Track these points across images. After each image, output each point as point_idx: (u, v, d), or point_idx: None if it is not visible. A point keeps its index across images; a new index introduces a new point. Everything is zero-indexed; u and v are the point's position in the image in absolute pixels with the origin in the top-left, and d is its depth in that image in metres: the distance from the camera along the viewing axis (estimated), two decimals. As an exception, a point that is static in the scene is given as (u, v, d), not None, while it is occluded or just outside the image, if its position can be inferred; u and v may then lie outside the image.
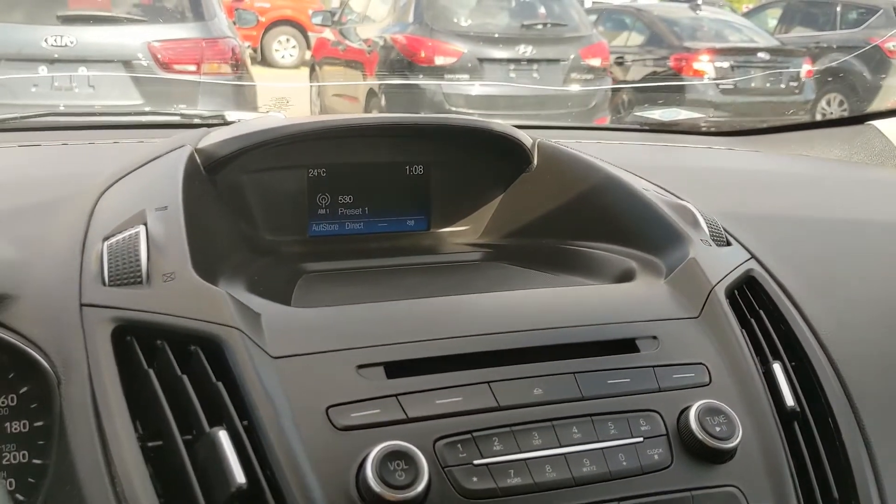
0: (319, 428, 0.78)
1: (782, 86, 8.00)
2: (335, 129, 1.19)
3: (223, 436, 0.75)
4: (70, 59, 4.81)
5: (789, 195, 1.43)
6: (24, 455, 0.81)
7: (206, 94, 4.80)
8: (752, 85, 7.85)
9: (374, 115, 1.40)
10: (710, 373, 0.90)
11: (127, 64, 4.97)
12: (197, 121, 1.76)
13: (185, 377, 0.79)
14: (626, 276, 1.06)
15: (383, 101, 6.60)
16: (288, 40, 11.10)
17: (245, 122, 1.25)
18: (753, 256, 1.09)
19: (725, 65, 7.78)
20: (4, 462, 0.81)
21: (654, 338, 0.92)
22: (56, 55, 4.78)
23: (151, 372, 0.80)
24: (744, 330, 0.97)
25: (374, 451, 0.75)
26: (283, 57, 11.03)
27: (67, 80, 4.75)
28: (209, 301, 0.84)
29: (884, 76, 7.93)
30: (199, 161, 1.10)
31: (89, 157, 1.38)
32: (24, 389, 0.82)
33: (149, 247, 0.89)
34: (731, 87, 7.65)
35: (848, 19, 8.90)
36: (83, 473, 0.75)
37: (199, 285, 0.85)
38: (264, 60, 10.86)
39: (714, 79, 7.61)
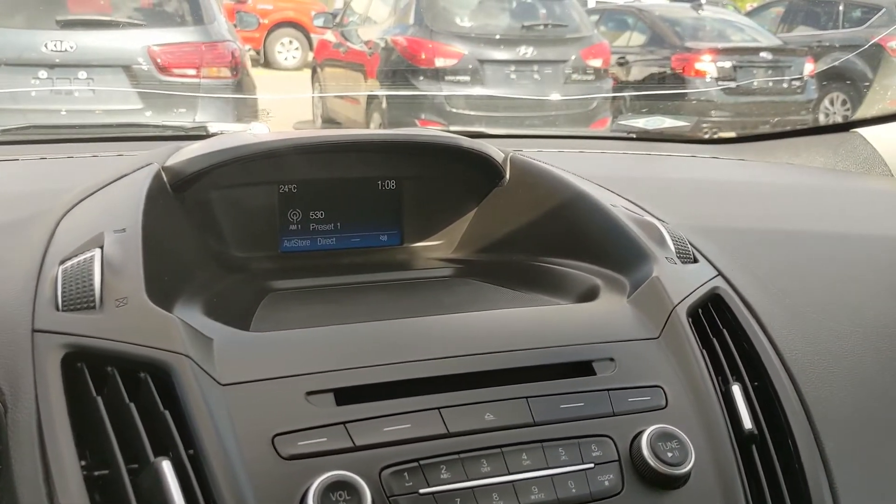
0: (265, 457, 0.77)
1: (785, 85, 7.96)
2: (304, 147, 1.19)
3: (166, 466, 0.75)
4: (70, 63, 4.81)
5: (766, 206, 1.42)
6: None
7: (206, 97, 4.80)
8: (755, 85, 7.81)
9: (345, 132, 1.39)
10: (666, 395, 0.90)
11: (127, 68, 4.98)
12: (179, 133, 1.76)
13: (132, 405, 0.79)
14: (589, 294, 1.06)
15: (384, 103, 6.60)
16: (290, 42, 11.10)
17: (217, 138, 1.25)
18: (720, 273, 1.08)
19: (728, 65, 7.75)
20: None
21: (612, 360, 0.92)
22: (56, 60, 4.79)
23: (99, 399, 0.80)
24: (704, 350, 0.96)
25: (317, 482, 0.75)
26: (285, 59, 11.03)
27: (67, 85, 4.76)
28: (160, 327, 0.83)
29: (887, 75, 7.88)
30: (165, 179, 1.10)
31: (63, 173, 1.38)
32: None
33: (103, 271, 0.89)
34: (734, 87, 7.62)
35: (851, 18, 8.86)
36: (25, 502, 0.75)
37: (151, 311, 0.85)
38: (267, 62, 10.87)
39: (716, 79, 7.58)
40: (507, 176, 1.25)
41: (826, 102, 8.04)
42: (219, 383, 0.81)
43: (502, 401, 0.85)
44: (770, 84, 7.91)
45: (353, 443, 0.79)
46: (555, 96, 6.64)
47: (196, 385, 0.79)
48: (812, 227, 1.36)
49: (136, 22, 5.41)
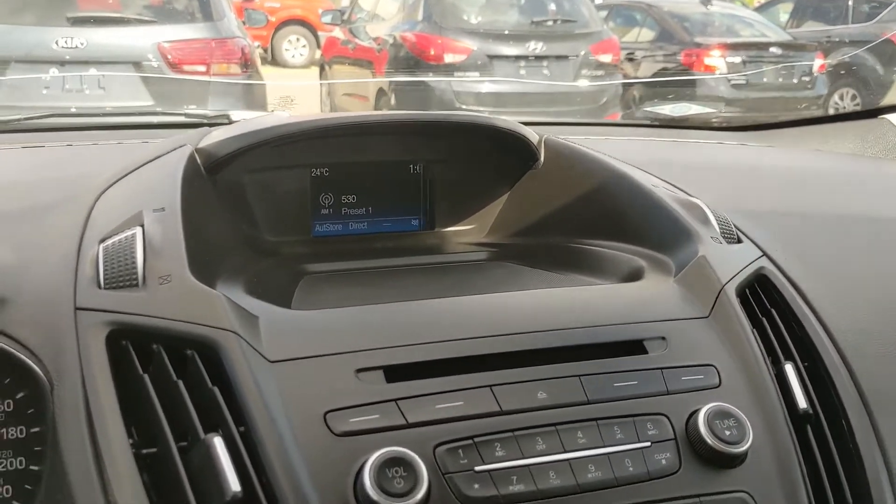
0: (317, 434, 0.76)
1: (794, 81, 7.94)
2: (336, 128, 1.18)
3: (218, 442, 0.73)
4: (80, 60, 4.81)
5: (803, 191, 1.40)
6: (20, 461, 0.79)
7: (216, 94, 4.80)
8: (764, 80, 7.79)
9: (377, 113, 1.38)
10: (719, 375, 0.88)
11: (137, 65, 4.98)
12: (202, 120, 1.75)
13: (180, 382, 0.77)
14: (634, 276, 1.04)
15: (393, 100, 6.59)
16: (298, 40, 11.10)
17: (246, 121, 1.24)
18: (765, 254, 1.06)
19: (737, 60, 7.74)
20: (1, 469, 0.79)
21: (663, 338, 0.90)
22: (67, 57, 4.80)
23: (146, 377, 0.78)
24: (755, 330, 0.94)
25: (372, 458, 0.73)
26: (293, 56, 11.04)
27: (78, 82, 4.76)
28: (206, 304, 0.82)
29: (896, 70, 7.86)
30: (199, 161, 1.09)
31: (92, 158, 1.37)
32: (21, 395, 0.81)
33: (145, 249, 0.87)
34: (743, 82, 7.60)
35: (860, 13, 8.83)
36: (75, 481, 0.73)
37: (196, 288, 0.83)
38: (275, 60, 10.87)
39: (725, 74, 7.56)
40: (542, 158, 1.23)
41: (836, 97, 8.02)
42: (267, 360, 0.79)
43: (555, 379, 0.83)
44: (780, 79, 7.89)
45: (406, 420, 0.77)
46: (564, 86, 6.62)
47: (245, 362, 0.78)
48: (849, 210, 1.34)
49: (146, 19, 5.41)
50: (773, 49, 8.00)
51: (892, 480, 0.91)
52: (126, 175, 1.08)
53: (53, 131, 1.61)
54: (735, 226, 1.11)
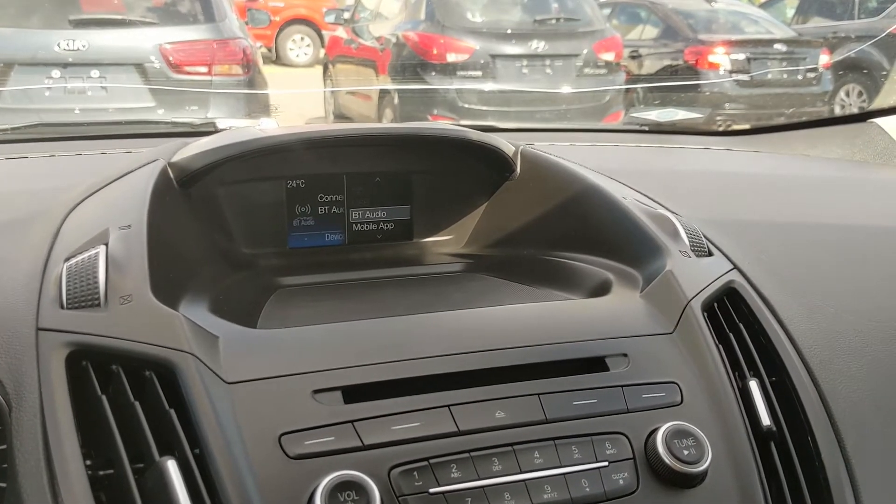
0: (271, 456, 0.76)
1: (800, 77, 7.88)
2: (310, 141, 1.18)
3: (171, 465, 0.73)
4: (83, 62, 4.82)
5: (782, 199, 1.40)
6: None
7: (218, 95, 4.80)
8: (769, 77, 7.75)
9: (351, 126, 1.37)
10: (682, 392, 0.88)
11: (139, 66, 4.98)
12: (188, 129, 1.75)
13: (137, 404, 0.78)
14: (602, 289, 1.04)
15: (396, 99, 6.58)
16: (302, 39, 11.09)
17: (224, 134, 1.24)
18: (736, 267, 1.06)
19: (742, 57, 7.69)
20: None
21: (625, 355, 0.90)
22: (69, 59, 4.80)
23: (104, 398, 0.78)
24: (721, 345, 0.94)
25: (324, 482, 0.73)
26: (297, 56, 11.03)
27: (80, 84, 4.77)
28: (165, 325, 0.82)
29: (903, 66, 7.79)
30: (171, 175, 1.09)
31: (72, 170, 1.37)
32: None
33: (107, 268, 0.87)
34: (748, 79, 7.56)
35: (866, 8, 8.77)
36: (29, 503, 0.74)
37: (155, 308, 0.84)
38: (279, 59, 10.87)
39: (730, 71, 7.52)
40: (518, 170, 1.23)
41: (842, 94, 7.96)
42: (224, 381, 0.80)
43: (513, 398, 0.83)
44: (785, 76, 7.84)
45: (362, 442, 0.78)
46: (567, 88, 6.60)
47: (201, 383, 0.78)
48: (829, 220, 1.34)
49: (148, 20, 5.42)
50: (777, 46, 7.95)
51: (858, 498, 0.90)
52: (98, 190, 1.09)
53: (38, 142, 1.61)
54: (707, 238, 1.10)
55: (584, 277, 1.09)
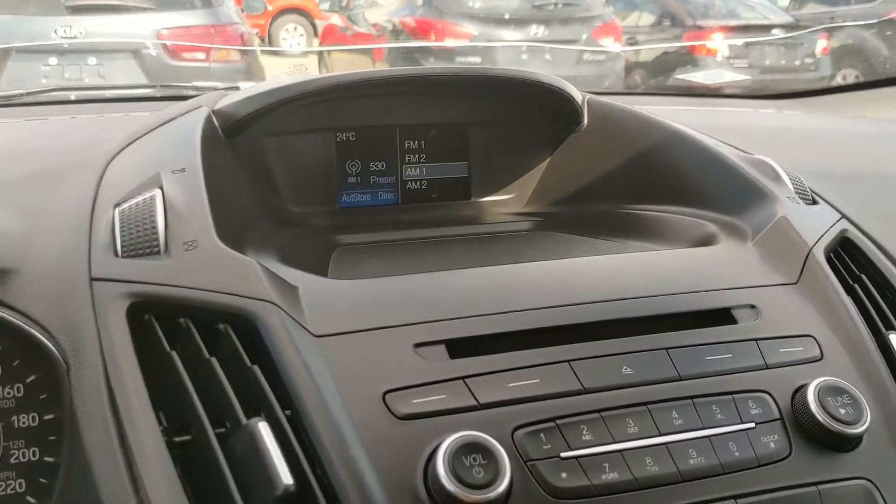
0: (376, 417, 0.66)
1: (797, 63, 7.84)
2: (364, 82, 1.07)
3: (263, 428, 0.63)
4: (80, 49, 4.73)
5: (867, 154, 1.31)
6: (34, 452, 0.70)
7: (216, 80, 4.72)
8: (767, 63, 7.69)
9: (410, 67, 1.27)
10: (820, 346, 0.78)
11: (136, 52, 4.90)
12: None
13: (213, 360, 0.68)
14: (705, 241, 0.94)
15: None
16: (295, 28, 10.99)
17: (267, 81, 1.14)
18: (844, 216, 0.97)
19: (739, 43, 7.63)
20: (13, 461, 0.70)
21: (752, 307, 0.80)
22: (66, 45, 4.72)
23: (175, 354, 0.68)
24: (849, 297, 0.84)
25: (446, 443, 0.63)
26: (290, 45, 10.92)
27: (77, 71, 4.67)
28: (239, 272, 0.72)
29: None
30: (216, 123, 0.99)
31: (98, 127, 1.27)
32: (32, 378, 0.71)
33: (166, 212, 0.78)
34: (745, 65, 7.50)
35: (864, -7, 8.72)
36: (100, 474, 0.63)
37: (226, 254, 0.74)
38: (272, 47, 10.75)
39: (727, 57, 7.46)
40: (585, 121, 1.13)
41: (839, 79, 7.91)
42: (312, 335, 0.70)
43: (639, 352, 0.74)
44: (782, 62, 7.79)
45: (477, 400, 0.68)
46: (565, 73, 6.53)
47: (287, 336, 0.68)
48: None
49: (144, 6, 5.33)
50: (775, 31, 7.90)
51: None
52: (139, 138, 0.98)
53: (56, 104, 1.51)
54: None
55: (679, 229, 0.99)
